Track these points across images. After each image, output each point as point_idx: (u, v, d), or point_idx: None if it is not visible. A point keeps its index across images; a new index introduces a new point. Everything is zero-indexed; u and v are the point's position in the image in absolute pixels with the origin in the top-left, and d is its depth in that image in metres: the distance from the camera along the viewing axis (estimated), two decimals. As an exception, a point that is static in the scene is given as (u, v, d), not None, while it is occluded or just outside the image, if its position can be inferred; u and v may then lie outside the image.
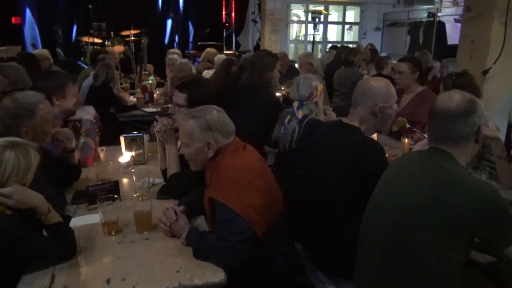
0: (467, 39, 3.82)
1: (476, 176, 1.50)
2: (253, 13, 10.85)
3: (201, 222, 1.88)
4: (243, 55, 4.83)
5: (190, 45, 10.61)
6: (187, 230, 1.67)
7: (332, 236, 1.95)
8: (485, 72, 3.61)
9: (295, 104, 2.61)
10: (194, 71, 4.62)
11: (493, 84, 3.67)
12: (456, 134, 1.50)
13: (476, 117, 1.50)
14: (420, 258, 1.43)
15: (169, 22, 10.39)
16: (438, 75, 5.19)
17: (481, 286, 1.85)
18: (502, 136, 3.78)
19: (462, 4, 4.40)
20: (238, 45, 10.91)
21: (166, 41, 10.38)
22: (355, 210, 1.76)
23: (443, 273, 1.43)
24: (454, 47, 4.20)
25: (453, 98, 1.52)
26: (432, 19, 10.38)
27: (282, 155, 2.65)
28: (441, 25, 10.31)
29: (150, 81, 5.52)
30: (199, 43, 9.99)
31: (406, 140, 2.74)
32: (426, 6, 11.09)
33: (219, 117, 1.77)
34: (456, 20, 9.80)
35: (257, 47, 10.49)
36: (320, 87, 2.65)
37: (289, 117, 2.64)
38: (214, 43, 9.48)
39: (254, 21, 10.79)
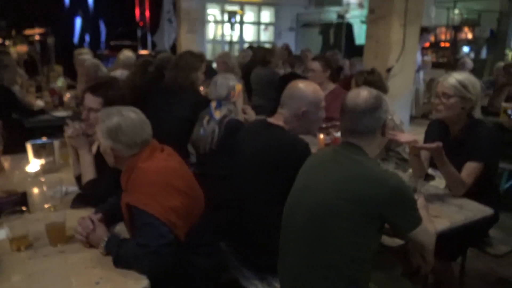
0: (372, 39, 4.10)
1: (384, 167, 1.62)
2: (168, 12, 10.63)
3: (120, 229, 1.80)
4: (159, 55, 4.74)
5: (102, 45, 10.13)
6: (106, 238, 1.60)
7: (256, 233, 1.99)
8: (389, 70, 3.90)
9: (213, 104, 2.61)
10: (105, 71, 4.42)
11: (396, 80, 3.98)
12: (364, 128, 1.60)
13: (382, 113, 1.61)
14: (336, 247, 1.51)
15: (78, 21, 9.83)
16: (348, 73, 5.52)
17: (392, 267, 2.00)
18: (405, 128, 4.12)
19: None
20: (154, 45, 10.63)
21: (76, 40, 9.80)
22: (278, 206, 1.80)
23: (358, 260, 1.52)
24: (362, 47, 4.47)
25: (361, 94, 1.62)
26: (341, 20, 10.99)
27: (202, 155, 2.64)
28: (349, 26, 10.95)
29: (59, 84, 5.18)
30: (112, 42, 9.57)
31: (322, 135, 2.86)
32: (335, 8, 11.69)
33: (121, 125, 1.68)
34: (362, 22, 10.45)
35: (173, 47, 10.30)
36: (239, 87, 2.67)
37: (207, 117, 2.63)
38: (129, 43, 9.16)
39: (170, 21, 10.57)
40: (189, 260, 1.72)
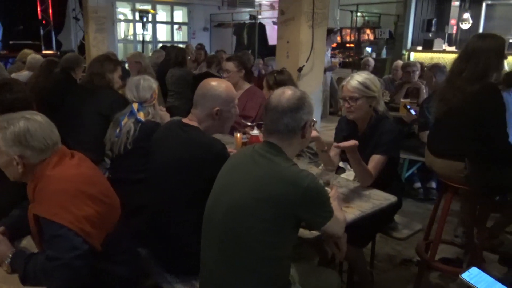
0: (283, 39, 4.22)
1: (299, 168, 1.60)
2: (74, 10, 10.04)
3: (28, 244, 1.68)
4: (65, 55, 4.48)
5: (0, 44, 9.28)
6: (11, 255, 1.48)
7: (176, 236, 1.96)
8: (300, 69, 4.05)
9: (135, 105, 2.54)
10: (6, 74, 4.07)
11: (307, 79, 4.14)
12: (284, 128, 1.60)
13: (304, 114, 1.62)
14: (251, 247, 1.52)
15: (-31, 18, 8.90)
16: (263, 72, 5.66)
17: (309, 257, 2.09)
18: (318, 125, 4.32)
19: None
20: (59, 44, 9.97)
21: (-33, 39, 8.88)
22: (197, 208, 1.78)
23: (274, 258, 1.54)
24: (275, 47, 4.59)
25: (285, 94, 1.63)
26: (253, 21, 11.22)
27: (117, 158, 2.54)
28: (262, 27, 11.22)
29: None
30: (11, 42, 8.80)
31: (239, 134, 2.90)
32: (247, 9, 11.89)
33: (29, 129, 1.55)
34: (274, 23, 10.77)
35: (81, 46, 9.75)
36: (157, 88, 2.65)
37: (126, 119, 2.55)
38: (30, 42, 8.50)
39: (76, 19, 10.00)
40: (107, 270, 1.65)
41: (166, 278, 2.01)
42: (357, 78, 2.36)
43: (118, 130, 2.54)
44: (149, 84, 2.57)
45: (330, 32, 6.31)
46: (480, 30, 10.34)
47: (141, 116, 2.52)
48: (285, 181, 1.50)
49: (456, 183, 2.54)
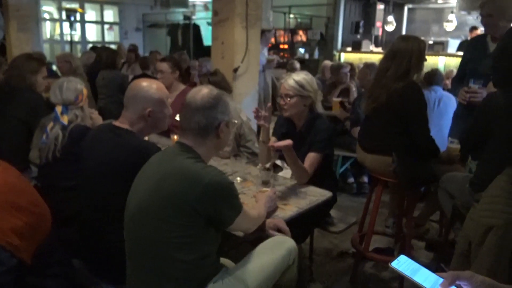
0: (218, 40, 4.22)
1: (203, 165, 1.56)
2: (-7, 8, 9.32)
3: None
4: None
5: None
6: None
7: (110, 244, 1.88)
8: (235, 70, 4.07)
9: (58, 108, 2.41)
10: None
11: (242, 80, 4.18)
12: (195, 126, 1.58)
13: (218, 113, 1.60)
14: (159, 250, 1.48)
15: None
16: (197, 74, 5.61)
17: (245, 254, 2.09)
18: (254, 124, 4.36)
19: (212, 9, 4.83)
20: (-25, 45, 9.21)
21: None
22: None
23: (190, 260, 1.49)
24: (210, 48, 4.58)
25: (201, 92, 1.62)
26: (188, 21, 11.11)
27: (45, 166, 2.40)
28: (197, 27, 11.14)
29: None
30: None
31: (175, 136, 2.85)
32: (181, 9, 11.75)
33: None
34: (208, 23, 10.73)
35: (2, 47, 9.07)
36: (85, 90, 2.52)
37: (51, 123, 2.41)
38: None
39: (-5, 18, 9.29)
40: (38, 284, 1.56)
41: (103, 288, 1.94)
42: (294, 77, 2.44)
43: (44, 137, 2.40)
44: (74, 85, 2.45)
45: (265, 31, 6.40)
46: (403, 32, 11.07)
47: (64, 119, 2.39)
48: (184, 178, 1.48)
49: (385, 176, 2.68)
